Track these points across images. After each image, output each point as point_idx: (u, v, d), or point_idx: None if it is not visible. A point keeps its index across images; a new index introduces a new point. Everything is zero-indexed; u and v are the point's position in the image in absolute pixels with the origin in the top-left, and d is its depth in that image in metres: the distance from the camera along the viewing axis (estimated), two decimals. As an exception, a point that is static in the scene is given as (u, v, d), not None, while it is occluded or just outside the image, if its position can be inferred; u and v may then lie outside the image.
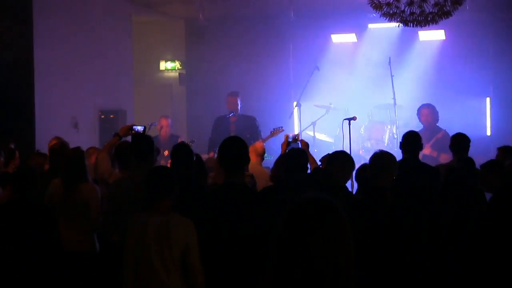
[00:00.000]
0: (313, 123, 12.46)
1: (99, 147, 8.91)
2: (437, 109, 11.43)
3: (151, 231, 4.88)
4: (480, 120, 13.38)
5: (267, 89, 14.33)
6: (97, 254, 6.60)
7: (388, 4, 7.83)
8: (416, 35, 13.31)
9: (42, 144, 9.03)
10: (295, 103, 13.10)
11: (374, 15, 8.51)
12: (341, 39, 14.20)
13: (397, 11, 7.88)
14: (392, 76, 12.29)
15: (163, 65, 15.89)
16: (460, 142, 7.64)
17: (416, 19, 7.93)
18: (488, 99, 13.51)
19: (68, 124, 11.11)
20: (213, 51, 14.79)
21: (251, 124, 11.19)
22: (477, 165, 6.80)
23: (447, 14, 7.93)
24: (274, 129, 10.54)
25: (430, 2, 7.75)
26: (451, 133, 8.26)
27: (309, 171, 6.61)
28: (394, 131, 12.19)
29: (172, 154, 6.55)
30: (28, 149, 9.12)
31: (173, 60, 15.77)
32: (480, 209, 6.16)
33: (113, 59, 12.63)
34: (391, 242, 5.33)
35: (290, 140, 7.82)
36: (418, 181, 6.70)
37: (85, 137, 10.51)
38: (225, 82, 14.05)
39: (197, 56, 15.19)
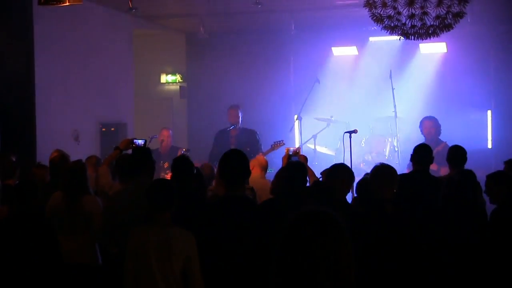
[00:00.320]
0: (314, 136, 12.46)
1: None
2: (439, 122, 11.42)
3: (151, 244, 4.87)
4: (481, 132, 13.38)
5: (267, 102, 14.34)
6: (98, 267, 6.58)
7: (389, 17, 7.83)
8: (417, 48, 13.32)
9: (43, 156, 9.01)
10: (295, 116, 13.10)
11: (375, 28, 8.51)
12: (342, 52, 14.22)
13: (398, 24, 7.87)
14: (393, 89, 12.29)
15: (164, 78, 15.90)
16: (457, 154, 7.62)
17: (417, 32, 7.93)
18: (489, 112, 13.52)
19: (69, 137, 11.10)
20: (214, 64, 14.81)
21: (251, 138, 11.18)
22: (478, 178, 6.78)
23: (448, 27, 7.93)
24: (275, 142, 10.53)
25: (431, 15, 7.75)
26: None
27: (308, 184, 6.60)
28: (395, 144, 12.18)
29: (173, 167, 6.54)
30: (29, 161, 9.11)
31: (174, 73, 15.79)
32: (479, 222, 6.14)
33: (114, 72, 12.64)
34: (392, 255, 5.31)
35: (291, 153, 7.83)
36: (428, 193, 6.68)
37: (85, 150, 10.47)
38: (226, 95, 14.06)
39: (198, 69, 15.20)
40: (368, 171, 6.13)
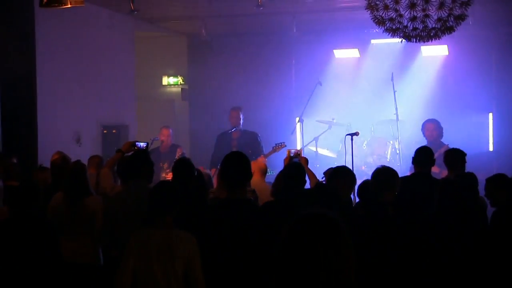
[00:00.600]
0: (316, 139, 12.46)
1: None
2: (441, 124, 11.41)
3: (153, 247, 4.87)
4: (482, 135, 13.39)
5: (269, 104, 14.34)
6: (100, 267, 6.60)
7: (391, 20, 7.84)
8: (419, 50, 13.33)
9: (45, 158, 9.02)
10: (297, 119, 13.11)
11: (377, 30, 8.51)
12: (344, 54, 14.23)
13: (400, 27, 7.88)
14: (394, 91, 12.29)
15: (165, 80, 15.92)
16: (453, 157, 7.62)
17: (419, 34, 7.93)
18: (490, 115, 13.52)
19: (70, 139, 11.11)
20: (216, 66, 14.82)
21: (253, 140, 11.16)
22: (480, 180, 6.77)
23: (450, 30, 7.93)
24: (276, 144, 10.52)
25: (433, 18, 7.75)
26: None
27: (308, 186, 6.60)
28: (397, 147, 12.18)
29: (173, 169, 6.55)
30: (31, 163, 9.11)
31: (175, 75, 15.80)
32: (479, 224, 6.12)
33: (116, 74, 12.65)
34: (393, 257, 5.31)
35: (292, 155, 7.83)
36: (429, 196, 6.67)
37: (87, 152, 10.46)
38: (228, 97, 14.06)
39: (200, 71, 15.21)
40: (370, 173, 6.12)
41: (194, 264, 4.84)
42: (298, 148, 11.99)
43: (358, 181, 6.73)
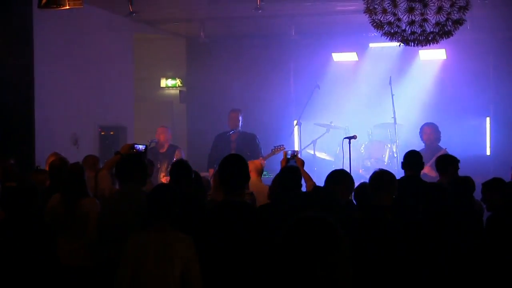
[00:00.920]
0: (314, 142, 12.46)
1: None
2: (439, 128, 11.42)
3: (151, 249, 4.87)
4: (480, 139, 13.41)
5: (267, 107, 14.34)
6: (97, 269, 6.58)
7: (389, 23, 7.84)
8: (417, 54, 13.34)
9: (42, 160, 9.02)
10: (295, 121, 13.12)
11: (375, 34, 8.52)
12: (342, 57, 14.25)
13: (398, 30, 7.88)
14: (392, 95, 12.31)
15: (164, 82, 15.92)
16: (444, 162, 7.66)
17: (417, 38, 7.93)
18: (488, 119, 13.53)
19: (68, 141, 11.10)
20: (214, 68, 14.81)
21: (251, 142, 11.15)
22: (476, 184, 6.79)
23: (448, 34, 7.94)
24: (275, 147, 10.52)
25: (431, 22, 7.76)
26: (451, 152, 8.27)
27: (304, 188, 6.61)
28: (394, 150, 12.19)
29: (171, 172, 6.55)
30: (28, 165, 9.11)
31: (174, 78, 15.80)
32: (472, 228, 6.12)
33: (114, 76, 12.64)
34: (390, 262, 5.31)
35: (289, 157, 7.83)
36: (420, 199, 6.67)
37: (84, 153, 10.40)
38: (226, 99, 14.05)
39: (198, 73, 15.20)
40: (367, 177, 6.12)
41: (191, 266, 4.84)
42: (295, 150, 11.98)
43: (356, 185, 6.72)
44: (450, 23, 7.81)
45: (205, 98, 15.09)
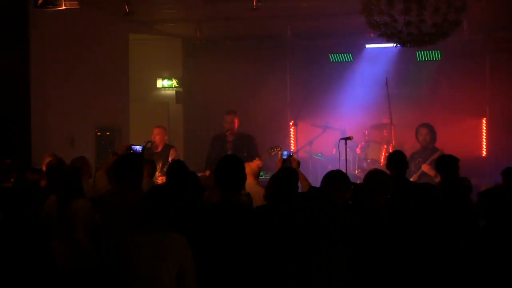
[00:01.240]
0: (310, 142, 12.47)
1: (92, 162, 8.89)
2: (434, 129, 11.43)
3: (146, 251, 4.86)
4: (476, 140, 13.43)
5: (264, 108, 14.34)
6: (92, 271, 6.57)
7: (386, 25, 7.86)
8: (413, 55, 13.35)
9: (39, 160, 9.02)
10: (292, 122, 13.12)
11: (372, 35, 8.54)
12: (339, 58, 14.25)
13: (395, 32, 7.90)
14: (388, 96, 12.31)
15: (160, 83, 15.86)
16: (444, 163, 7.66)
17: (414, 39, 7.95)
18: (484, 120, 13.55)
19: (64, 141, 11.08)
20: (210, 69, 14.80)
21: (248, 143, 11.12)
22: (473, 185, 6.79)
23: (444, 35, 7.95)
24: (271, 148, 10.51)
25: (427, 23, 7.77)
26: (447, 153, 8.28)
27: (299, 189, 6.61)
28: (391, 151, 12.18)
29: (167, 173, 6.54)
30: (25, 166, 9.10)
31: (170, 78, 15.76)
32: (465, 228, 6.11)
33: (110, 77, 12.62)
34: (386, 262, 5.31)
35: (285, 157, 7.82)
36: (406, 199, 6.68)
37: (81, 154, 10.46)
38: (222, 100, 14.04)
39: (194, 74, 15.19)
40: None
41: (187, 267, 4.83)
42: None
43: (351, 185, 6.73)
44: (447, 24, 7.83)
45: (201, 98, 15.09)
